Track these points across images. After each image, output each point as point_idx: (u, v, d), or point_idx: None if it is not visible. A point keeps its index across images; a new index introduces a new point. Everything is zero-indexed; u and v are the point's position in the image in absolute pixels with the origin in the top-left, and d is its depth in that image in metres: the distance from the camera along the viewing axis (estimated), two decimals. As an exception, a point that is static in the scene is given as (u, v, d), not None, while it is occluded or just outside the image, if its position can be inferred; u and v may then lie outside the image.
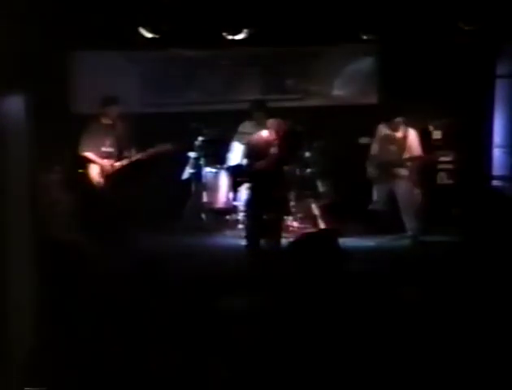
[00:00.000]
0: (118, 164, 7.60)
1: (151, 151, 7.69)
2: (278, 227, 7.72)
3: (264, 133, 7.60)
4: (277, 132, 7.48)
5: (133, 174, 7.67)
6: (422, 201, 8.29)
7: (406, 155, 8.19)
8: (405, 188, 8.20)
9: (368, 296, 5.38)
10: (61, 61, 8.74)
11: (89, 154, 7.57)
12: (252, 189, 7.71)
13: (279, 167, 7.60)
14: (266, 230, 7.64)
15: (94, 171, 7.57)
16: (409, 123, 8.30)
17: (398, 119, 8.21)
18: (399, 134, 8.24)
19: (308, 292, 5.47)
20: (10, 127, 4.18)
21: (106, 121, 7.64)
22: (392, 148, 8.25)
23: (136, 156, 7.65)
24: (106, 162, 7.55)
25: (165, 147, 7.69)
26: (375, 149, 8.39)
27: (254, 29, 8.53)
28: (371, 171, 8.33)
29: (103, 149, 7.60)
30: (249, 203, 7.77)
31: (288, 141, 7.53)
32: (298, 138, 7.85)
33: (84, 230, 7.61)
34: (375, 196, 8.38)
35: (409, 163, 8.20)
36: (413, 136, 8.25)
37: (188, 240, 8.40)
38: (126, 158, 7.63)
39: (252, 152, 7.63)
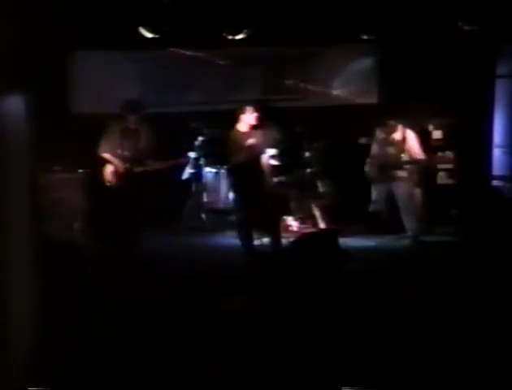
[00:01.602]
0: (137, 170, 7.56)
1: (172, 162, 7.69)
2: (269, 222, 7.69)
3: (241, 127, 7.64)
4: (250, 124, 7.52)
5: (147, 180, 7.66)
6: (422, 201, 8.28)
7: (405, 157, 8.16)
8: (404, 188, 8.19)
9: (368, 296, 5.39)
10: (61, 61, 8.74)
11: (107, 155, 7.56)
12: (235, 185, 7.73)
13: (257, 158, 7.60)
14: (257, 225, 7.66)
15: (109, 172, 7.57)
16: (409, 124, 8.27)
17: (392, 123, 8.17)
18: (397, 136, 8.19)
19: (308, 292, 5.47)
20: (10, 127, 4.18)
21: (127, 124, 7.61)
22: (391, 150, 8.21)
23: (155, 165, 7.61)
24: (123, 165, 7.54)
25: (182, 160, 7.71)
26: (374, 149, 8.38)
27: (254, 29, 8.53)
28: (370, 171, 8.32)
29: (120, 152, 7.58)
30: (235, 199, 7.80)
31: (263, 130, 7.57)
32: (274, 126, 7.83)
33: (86, 230, 7.62)
34: (373, 196, 8.35)
35: (408, 165, 8.19)
36: (412, 137, 8.21)
37: (188, 240, 8.40)
38: (143, 164, 7.60)
39: (230, 147, 7.67)
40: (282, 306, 5.25)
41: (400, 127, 8.19)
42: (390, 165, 8.17)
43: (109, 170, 7.58)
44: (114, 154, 7.58)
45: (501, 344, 4.50)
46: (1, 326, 4.00)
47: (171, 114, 9.21)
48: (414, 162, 8.16)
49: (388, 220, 8.29)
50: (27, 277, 4.32)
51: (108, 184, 7.57)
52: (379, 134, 8.33)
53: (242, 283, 6.21)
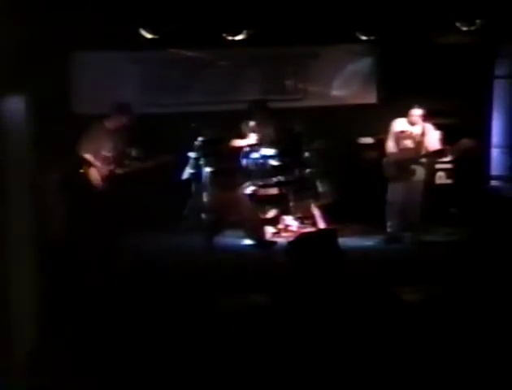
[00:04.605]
0: (118, 171, 7.58)
1: (152, 162, 7.69)
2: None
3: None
4: None
5: (134, 180, 7.67)
6: (421, 200, 8.25)
7: (423, 151, 7.97)
8: (417, 187, 8.04)
9: (367, 296, 5.39)
10: (61, 61, 8.74)
11: (88, 156, 7.56)
12: None
13: None
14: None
15: (93, 174, 7.58)
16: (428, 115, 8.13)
17: (417, 111, 7.98)
18: (416, 130, 8.02)
19: (307, 292, 5.47)
20: (11, 127, 4.19)
21: (109, 126, 7.62)
22: (410, 144, 8.03)
23: (137, 165, 7.63)
24: (104, 167, 7.55)
25: (167, 158, 7.72)
26: (389, 146, 8.16)
27: (254, 30, 8.54)
28: (388, 169, 8.11)
29: (103, 153, 7.58)
30: None
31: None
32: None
33: (82, 231, 7.62)
34: (389, 196, 8.13)
35: (426, 160, 8.01)
36: (431, 130, 8.03)
37: (188, 240, 8.41)
38: (126, 164, 7.61)
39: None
40: (281, 306, 5.25)
41: (420, 120, 8.01)
42: (409, 160, 7.99)
43: (92, 171, 7.58)
44: (97, 156, 7.57)
45: (502, 344, 4.50)
46: (1, 326, 4.01)
47: (172, 115, 9.22)
48: (432, 154, 8.00)
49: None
50: (27, 277, 4.33)
51: (94, 185, 7.56)
52: (397, 127, 8.13)
53: (241, 284, 6.23)
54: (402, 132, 8.10)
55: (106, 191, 7.55)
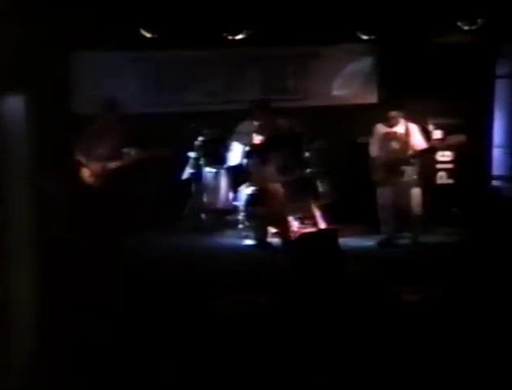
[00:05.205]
0: (112, 165, 7.56)
1: (144, 154, 7.66)
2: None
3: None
4: None
5: (130, 175, 7.65)
6: (421, 200, 8.25)
7: (410, 152, 7.97)
8: (408, 188, 8.04)
9: (368, 296, 5.39)
10: (61, 61, 8.73)
11: (80, 157, 7.54)
12: None
13: None
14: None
15: (86, 173, 7.57)
16: (409, 115, 8.15)
17: (394, 113, 7.99)
18: (400, 130, 8.03)
19: (307, 292, 5.47)
20: (10, 127, 4.19)
21: (101, 123, 7.62)
22: (395, 145, 8.04)
23: (131, 158, 7.60)
24: (96, 165, 7.53)
25: (162, 151, 7.68)
26: (374, 150, 8.18)
27: (254, 30, 8.55)
28: (376, 173, 8.09)
29: (98, 150, 7.57)
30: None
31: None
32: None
33: (82, 230, 7.62)
34: (380, 200, 8.10)
35: (414, 160, 8.00)
36: (415, 129, 8.06)
37: (189, 240, 8.41)
38: (122, 159, 7.60)
39: None
40: (281, 306, 5.25)
41: (402, 120, 8.04)
42: (396, 161, 7.97)
43: (85, 171, 7.57)
44: (90, 155, 7.55)
45: (502, 345, 4.50)
46: (1, 326, 4.00)
47: (172, 114, 9.22)
48: (420, 153, 8.00)
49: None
50: (27, 277, 4.33)
51: (89, 184, 7.55)
52: (379, 131, 8.14)
53: (241, 284, 6.23)
54: (387, 133, 8.10)
55: (105, 190, 7.53)
